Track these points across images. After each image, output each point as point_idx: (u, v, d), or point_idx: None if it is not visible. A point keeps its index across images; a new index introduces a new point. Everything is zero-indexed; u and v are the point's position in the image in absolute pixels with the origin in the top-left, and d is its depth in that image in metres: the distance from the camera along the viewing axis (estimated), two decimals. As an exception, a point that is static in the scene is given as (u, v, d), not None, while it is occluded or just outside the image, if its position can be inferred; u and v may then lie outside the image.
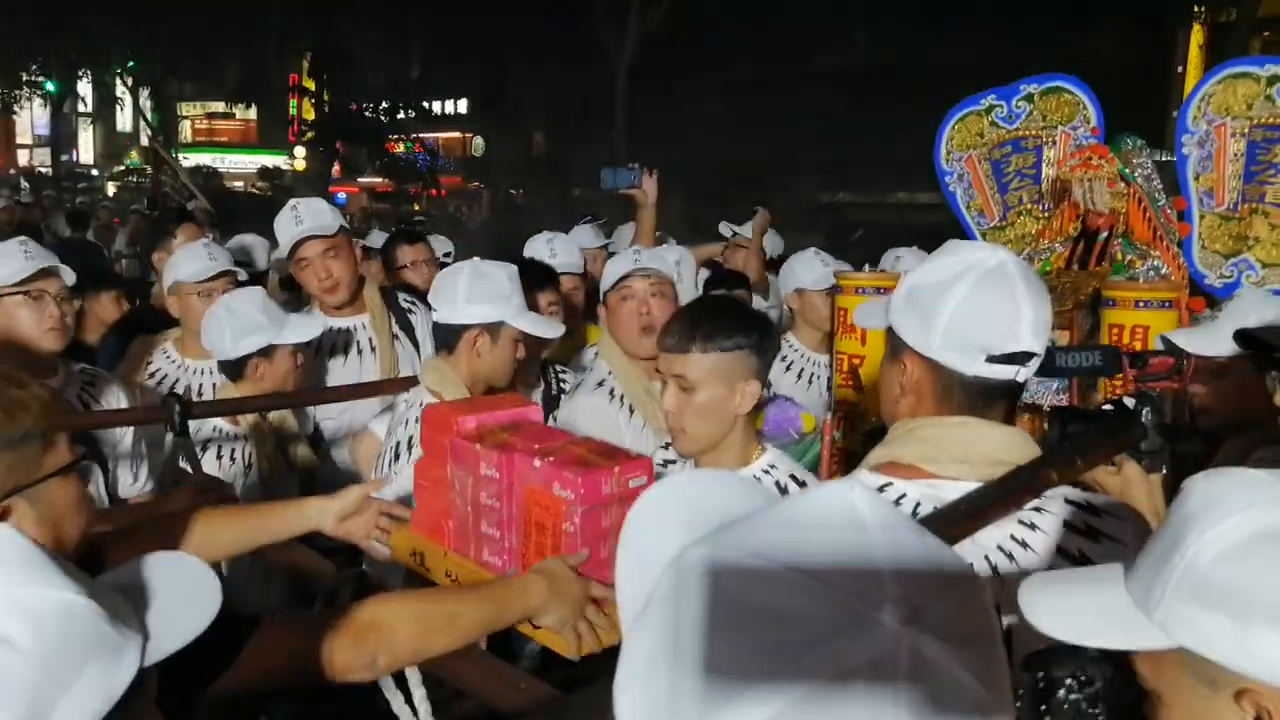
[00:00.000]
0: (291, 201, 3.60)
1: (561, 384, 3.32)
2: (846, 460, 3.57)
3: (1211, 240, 3.95)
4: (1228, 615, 0.98)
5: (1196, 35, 19.10)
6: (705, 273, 4.51)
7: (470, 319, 2.70)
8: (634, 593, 0.76)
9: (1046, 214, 4.09)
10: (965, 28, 20.22)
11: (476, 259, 2.89)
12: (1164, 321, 3.19)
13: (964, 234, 4.24)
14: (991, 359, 1.50)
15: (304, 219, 3.44)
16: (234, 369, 3.11)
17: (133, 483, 3.09)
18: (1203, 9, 18.69)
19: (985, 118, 4.29)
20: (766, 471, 2.19)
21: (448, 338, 2.75)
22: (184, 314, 3.41)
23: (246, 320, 3.06)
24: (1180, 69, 20.27)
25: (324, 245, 3.46)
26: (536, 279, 3.15)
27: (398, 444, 2.69)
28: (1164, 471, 2.10)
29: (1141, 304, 3.23)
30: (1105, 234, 3.69)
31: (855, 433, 3.60)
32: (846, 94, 24.35)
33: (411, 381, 2.92)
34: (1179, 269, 3.71)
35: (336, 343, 3.58)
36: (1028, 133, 4.21)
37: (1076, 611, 1.11)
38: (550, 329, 2.85)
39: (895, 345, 1.60)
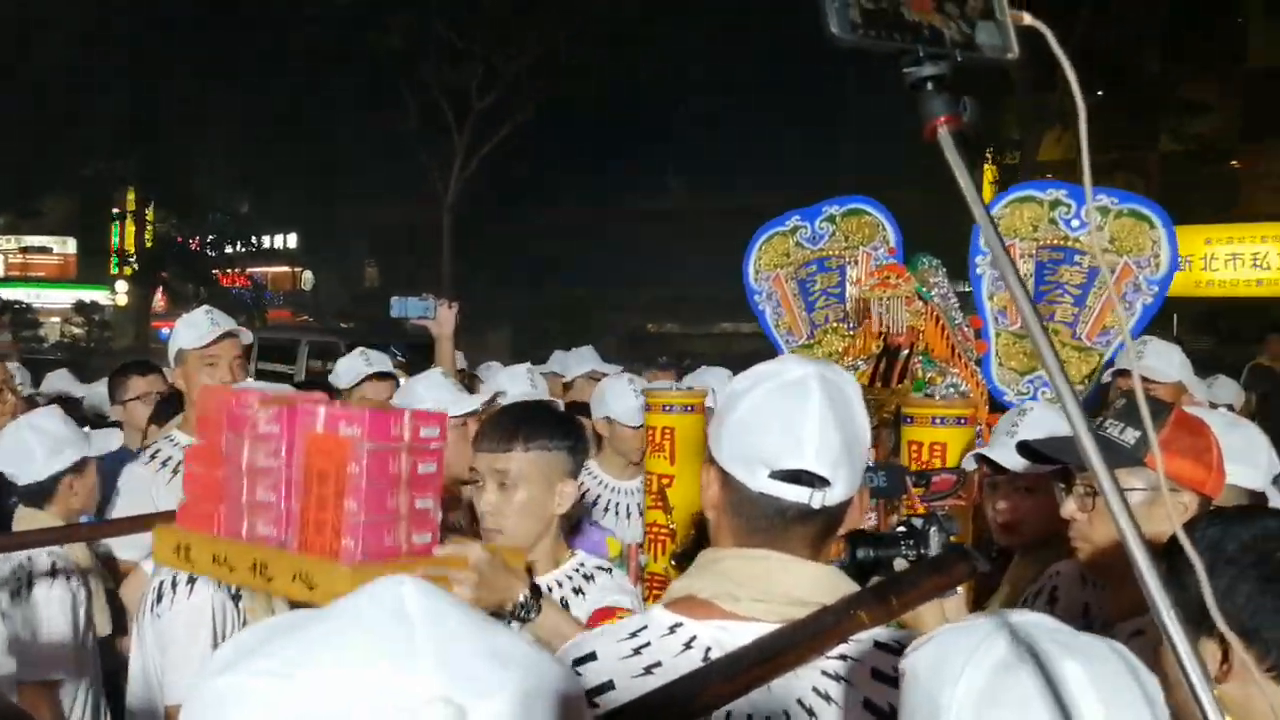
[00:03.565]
0: (205, 306, 3.58)
1: None
2: (656, 584, 3.44)
3: (1007, 357, 4.04)
4: None
5: (989, 174, 21.38)
6: None
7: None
8: None
9: (851, 332, 4.13)
10: (774, 172, 21.68)
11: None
12: (961, 438, 3.20)
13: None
14: (774, 475, 1.37)
15: (220, 322, 3.37)
16: (42, 492, 2.93)
17: None
18: (991, 152, 21.32)
19: (790, 238, 4.36)
20: (577, 569, 2.19)
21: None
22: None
23: (57, 436, 2.98)
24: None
25: (237, 351, 3.36)
26: None
27: (161, 584, 2.40)
28: (958, 593, 2.03)
29: (938, 420, 3.24)
30: (906, 351, 3.73)
31: (665, 555, 3.48)
32: (670, 234, 25.32)
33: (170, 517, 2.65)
34: (978, 385, 3.76)
35: None
36: (831, 252, 4.28)
37: None
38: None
39: (707, 453, 1.49)
